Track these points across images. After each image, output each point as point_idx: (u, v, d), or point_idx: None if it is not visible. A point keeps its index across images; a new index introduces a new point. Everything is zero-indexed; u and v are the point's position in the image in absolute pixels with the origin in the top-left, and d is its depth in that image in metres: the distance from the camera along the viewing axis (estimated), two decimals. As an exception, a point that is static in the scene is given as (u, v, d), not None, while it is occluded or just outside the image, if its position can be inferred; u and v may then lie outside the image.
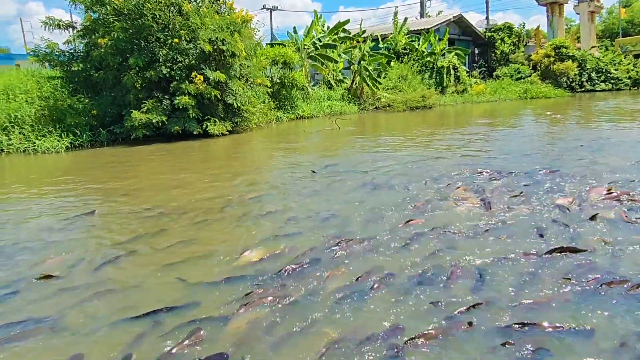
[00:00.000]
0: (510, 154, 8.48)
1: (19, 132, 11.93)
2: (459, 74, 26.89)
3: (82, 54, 13.72)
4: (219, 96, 12.95)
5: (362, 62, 21.78)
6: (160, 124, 12.48)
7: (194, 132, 12.73)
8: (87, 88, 13.56)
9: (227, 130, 13.43)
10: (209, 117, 13.11)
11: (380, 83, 22.68)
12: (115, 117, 12.87)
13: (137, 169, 8.98)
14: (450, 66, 26.28)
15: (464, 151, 9.12)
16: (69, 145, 11.93)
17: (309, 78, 21.75)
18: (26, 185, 7.65)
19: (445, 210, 4.95)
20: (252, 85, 15.06)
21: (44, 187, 7.36)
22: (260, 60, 15.98)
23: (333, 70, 22.92)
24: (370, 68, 22.14)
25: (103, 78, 12.91)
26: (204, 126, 12.93)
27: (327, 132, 14.23)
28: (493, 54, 34.80)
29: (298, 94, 19.59)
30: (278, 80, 18.39)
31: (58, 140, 11.86)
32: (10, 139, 11.71)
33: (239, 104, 13.68)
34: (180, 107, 12.42)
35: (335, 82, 22.87)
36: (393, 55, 25.90)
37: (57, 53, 13.53)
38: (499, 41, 34.37)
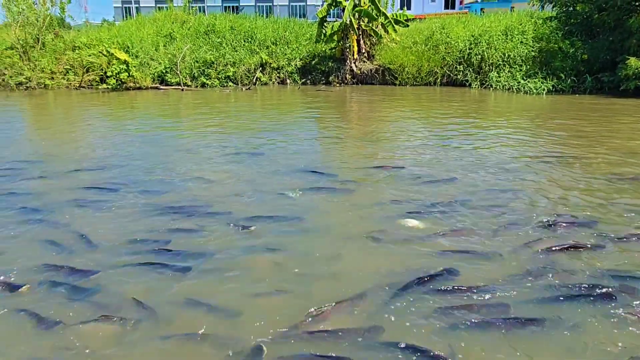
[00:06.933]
0: None
1: (508, 71, 12.95)
2: None
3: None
4: None
5: None
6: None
7: None
8: (582, 31, 12.90)
9: None
10: None
11: None
12: (606, 64, 11.80)
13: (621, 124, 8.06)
14: None
15: None
16: (551, 89, 11.99)
17: None
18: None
19: None
20: None
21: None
22: None
23: None
24: None
25: (603, 20, 11.89)
26: None
27: None
28: None
29: None
30: None
31: (542, 82, 12.14)
32: (500, 77, 12.91)
33: None
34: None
35: None
36: None
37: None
38: None
